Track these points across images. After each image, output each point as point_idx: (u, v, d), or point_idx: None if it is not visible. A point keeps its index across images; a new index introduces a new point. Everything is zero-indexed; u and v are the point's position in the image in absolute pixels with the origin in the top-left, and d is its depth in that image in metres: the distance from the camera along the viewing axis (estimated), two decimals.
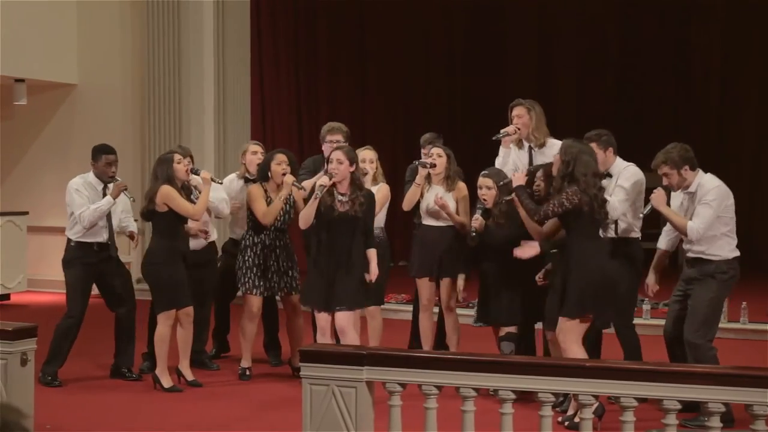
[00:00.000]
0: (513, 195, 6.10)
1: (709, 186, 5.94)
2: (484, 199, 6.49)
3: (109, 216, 7.03)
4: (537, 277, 6.13)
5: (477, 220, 6.48)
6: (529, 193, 5.97)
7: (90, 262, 7.03)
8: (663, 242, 6.36)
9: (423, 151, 7.30)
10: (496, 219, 6.46)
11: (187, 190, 6.88)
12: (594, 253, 5.69)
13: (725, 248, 5.96)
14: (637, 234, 6.36)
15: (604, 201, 5.72)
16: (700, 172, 6.02)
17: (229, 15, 11.64)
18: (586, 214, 5.62)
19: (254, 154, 7.51)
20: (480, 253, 6.58)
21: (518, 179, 6.05)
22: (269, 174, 7.06)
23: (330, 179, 6.14)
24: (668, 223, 6.23)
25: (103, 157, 7.04)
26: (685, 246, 6.07)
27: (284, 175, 7.00)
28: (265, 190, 7.07)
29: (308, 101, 13.47)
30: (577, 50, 14.46)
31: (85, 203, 6.94)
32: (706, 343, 5.90)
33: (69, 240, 7.08)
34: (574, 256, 5.68)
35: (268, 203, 7.02)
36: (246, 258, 7.11)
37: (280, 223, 7.10)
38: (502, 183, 6.37)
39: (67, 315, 7.04)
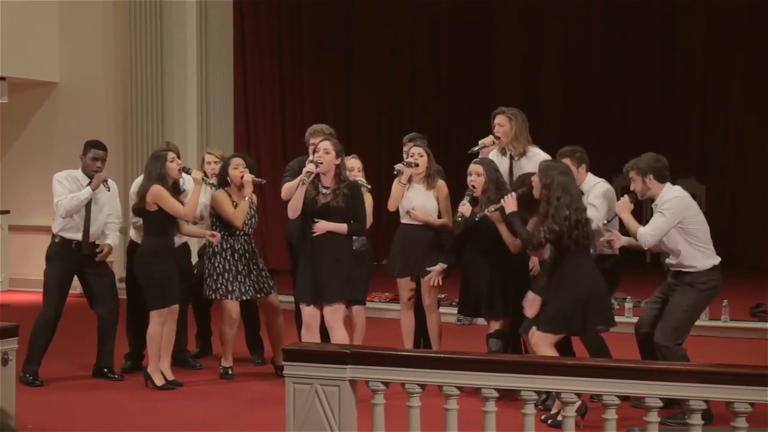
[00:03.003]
0: (493, 210, 6.14)
1: (668, 196, 5.99)
2: (473, 186, 6.47)
3: (87, 216, 6.99)
4: (525, 310, 5.99)
5: (464, 206, 6.43)
6: (521, 218, 5.91)
7: (69, 259, 7.00)
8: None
9: (404, 148, 7.31)
10: (483, 207, 6.44)
11: (176, 188, 6.87)
12: (581, 271, 5.68)
13: (699, 258, 5.97)
14: (612, 251, 6.35)
15: (578, 222, 5.65)
16: (668, 185, 6.07)
17: (211, 14, 11.62)
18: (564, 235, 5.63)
19: (208, 164, 7.52)
20: (464, 242, 6.57)
21: (510, 204, 5.95)
22: (228, 179, 7.08)
23: (316, 167, 6.13)
24: None
25: (91, 150, 7.04)
26: (666, 260, 6.13)
27: (242, 177, 7.02)
28: (230, 195, 7.08)
29: (292, 101, 13.45)
30: (562, 56, 14.52)
31: (64, 193, 6.92)
32: (675, 346, 5.94)
33: (53, 235, 7.06)
34: (562, 274, 5.68)
35: (235, 207, 7.02)
36: (216, 264, 7.06)
37: (248, 227, 7.11)
38: (494, 209, 6.19)
39: (42, 311, 7.00)
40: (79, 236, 7.00)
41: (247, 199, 7.00)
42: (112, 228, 7.23)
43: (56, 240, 7.01)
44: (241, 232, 7.07)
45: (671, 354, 5.88)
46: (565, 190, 5.67)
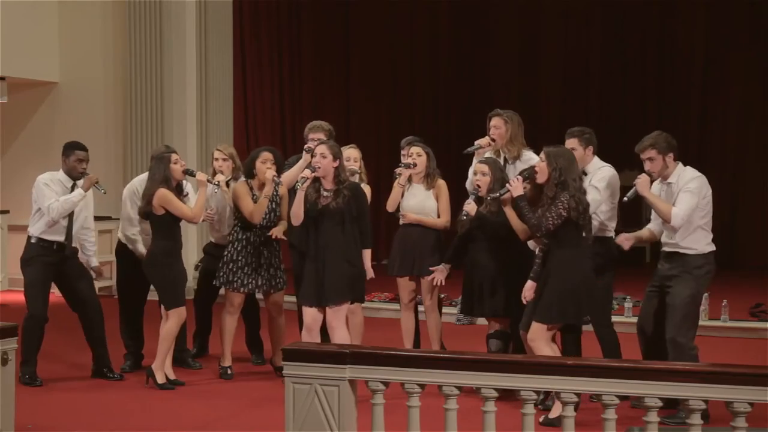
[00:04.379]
0: (500, 196, 6.13)
1: (691, 176, 6.02)
2: (478, 186, 6.45)
3: (70, 217, 6.98)
4: (523, 296, 6.05)
5: (469, 204, 6.39)
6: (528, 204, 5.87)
7: (50, 261, 6.97)
8: (652, 225, 6.34)
9: (402, 152, 7.31)
10: (489, 207, 6.42)
11: (179, 189, 6.87)
12: (574, 260, 5.72)
13: (701, 241, 5.99)
14: (611, 233, 6.38)
15: (588, 204, 5.75)
16: (680, 164, 6.08)
17: (211, 14, 11.61)
18: (572, 219, 5.65)
19: (216, 160, 7.48)
20: (467, 242, 6.55)
21: (517, 188, 5.91)
22: (254, 172, 7.06)
23: (312, 172, 6.14)
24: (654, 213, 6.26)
25: (74, 152, 7.01)
26: (663, 239, 6.11)
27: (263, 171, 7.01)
28: (251, 188, 7.07)
29: (291, 100, 13.46)
30: (561, 57, 14.51)
31: (53, 196, 6.89)
32: (689, 342, 5.93)
33: (29, 237, 7.01)
34: (555, 262, 5.72)
35: (254, 201, 7.01)
36: (226, 253, 7.11)
37: (266, 221, 7.08)
38: (498, 194, 6.17)
39: (28, 315, 6.95)
40: (60, 238, 6.97)
41: (266, 197, 6.97)
42: (89, 242, 7.22)
43: (34, 242, 6.97)
44: (259, 225, 7.06)
45: (684, 352, 5.86)
46: (575, 172, 5.71)
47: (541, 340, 5.71)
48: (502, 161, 6.74)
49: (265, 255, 7.09)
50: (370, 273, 6.33)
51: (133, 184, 7.33)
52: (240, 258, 7.05)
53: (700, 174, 6.05)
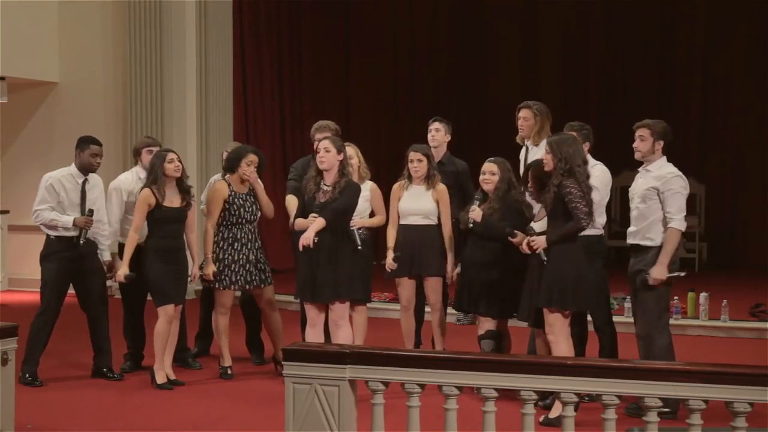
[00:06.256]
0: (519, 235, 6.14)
1: (671, 172, 6.06)
2: (486, 184, 6.45)
3: (83, 205, 7.00)
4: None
5: (474, 212, 6.39)
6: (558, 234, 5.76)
7: (68, 257, 6.97)
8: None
9: (430, 127, 7.47)
10: (492, 204, 6.39)
11: (184, 189, 6.89)
12: (578, 246, 5.74)
13: (660, 233, 6.03)
14: (600, 231, 6.41)
15: (590, 189, 5.76)
16: (664, 157, 6.14)
17: (211, 13, 11.62)
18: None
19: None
20: (471, 240, 6.54)
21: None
22: (236, 168, 7.06)
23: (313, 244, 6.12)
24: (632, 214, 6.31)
25: (89, 147, 7.03)
26: (628, 231, 6.17)
27: (248, 174, 7.02)
28: (229, 184, 7.08)
29: (291, 100, 13.47)
30: (561, 56, 14.52)
31: (50, 202, 6.90)
32: (658, 336, 5.98)
33: (48, 234, 7.04)
34: (557, 247, 5.70)
35: (229, 199, 6.98)
36: (213, 251, 7.08)
37: (250, 215, 7.09)
38: (508, 229, 6.17)
39: (40, 311, 6.98)
40: (76, 232, 6.97)
41: (207, 256, 6.99)
42: (102, 235, 7.18)
43: (53, 238, 6.99)
44: (244, 220, 7.07)
45: (656, 346, 5.92)
46: (580, 158, 5.74)
47: (561, 335, 5.69)
48: (524, 150, 6.80)
49: (252, 249, 7.08)
50: (306, 229, 6.12)
51: (120, 181, 7.35)
52: (227, 256, 7.05)
53: (680, 173, 6.10)
